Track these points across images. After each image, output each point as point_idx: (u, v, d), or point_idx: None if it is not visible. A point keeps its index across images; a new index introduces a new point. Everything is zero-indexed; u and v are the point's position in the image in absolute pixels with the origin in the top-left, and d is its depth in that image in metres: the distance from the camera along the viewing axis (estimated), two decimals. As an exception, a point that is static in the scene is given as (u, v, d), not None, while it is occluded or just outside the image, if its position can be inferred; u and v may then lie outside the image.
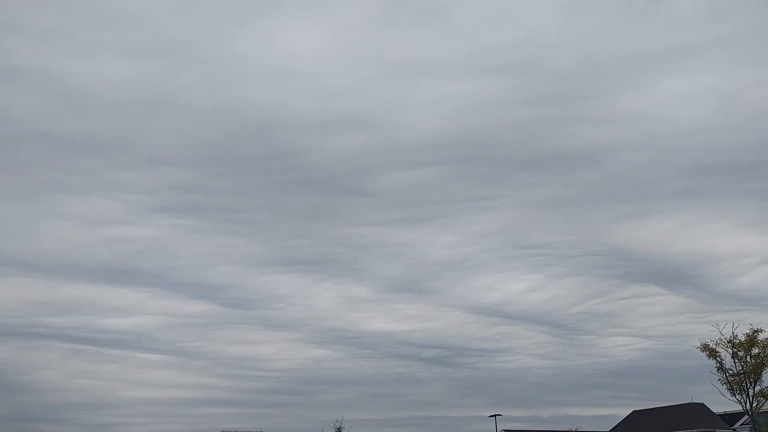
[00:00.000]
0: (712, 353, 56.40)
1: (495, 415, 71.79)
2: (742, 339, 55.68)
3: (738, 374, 55.75)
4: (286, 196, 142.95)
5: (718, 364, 56.34)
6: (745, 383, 55.61)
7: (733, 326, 56.30)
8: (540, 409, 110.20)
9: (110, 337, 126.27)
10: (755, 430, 60.20)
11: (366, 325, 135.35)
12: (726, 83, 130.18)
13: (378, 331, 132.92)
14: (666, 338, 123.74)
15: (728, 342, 55.94)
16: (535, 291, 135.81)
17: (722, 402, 60.39)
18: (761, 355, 55.07)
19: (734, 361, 55.96)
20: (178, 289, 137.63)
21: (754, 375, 55.41)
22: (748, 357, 55.65)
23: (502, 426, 76.21)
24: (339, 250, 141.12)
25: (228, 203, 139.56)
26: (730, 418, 73.77)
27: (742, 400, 55.53)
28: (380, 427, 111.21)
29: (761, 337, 55.29)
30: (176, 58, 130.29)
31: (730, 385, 56.03)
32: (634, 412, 79.67)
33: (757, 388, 55.37)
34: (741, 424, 71.77)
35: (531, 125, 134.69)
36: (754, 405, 55.25)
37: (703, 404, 73.85)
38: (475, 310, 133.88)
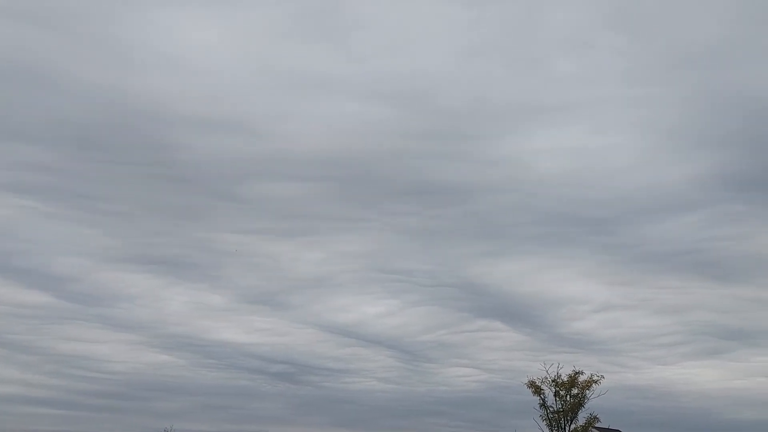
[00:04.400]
0: (537, 390, 60.52)
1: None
2: (565, 379, 60.23)
3: (557, 412, 60.13)
4: (151, 191, 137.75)
5: (541, 401, 60.59)
6: (563, 421, 60.04)
7: (558, 366, 60.89)
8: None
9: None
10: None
11: (215, 334, 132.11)
12: (588, 143, 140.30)
13: (226, 341, 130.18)
14: (502, 372, 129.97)
15: (552, 381, 60.34)
16: (389, 316, 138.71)
17: (542, 437, 64.61)
18: (579, 395, 59.71)
19: (555, 399, 60.41)
20: (14, 276, 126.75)
21: (572, 413, 59.94)
22: (569, 396, 60.19)
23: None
24: (199, 254, 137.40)
25: (86, 190, 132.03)
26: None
27: (559, 436, 59.96)
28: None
29: (581, 378, 60.02)
30: (60, 30, 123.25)
31: (550, 422, 60.28)
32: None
33: (573, 426, 59.90)
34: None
35: (410, 156, 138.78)
36: (568, 441, 59.77)
37: (525, 438, 78.52)
38: (328, 329, 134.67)
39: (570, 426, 59.79)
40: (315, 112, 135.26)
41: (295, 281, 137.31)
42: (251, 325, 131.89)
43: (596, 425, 61.16)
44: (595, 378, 59.87)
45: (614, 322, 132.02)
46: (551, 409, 60.26)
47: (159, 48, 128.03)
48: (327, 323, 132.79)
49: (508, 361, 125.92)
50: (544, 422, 60.38)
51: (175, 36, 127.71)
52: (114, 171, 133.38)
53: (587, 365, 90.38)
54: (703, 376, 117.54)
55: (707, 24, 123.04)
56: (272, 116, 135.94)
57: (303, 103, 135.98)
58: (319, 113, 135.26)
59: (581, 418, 59.98)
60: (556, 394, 60.08)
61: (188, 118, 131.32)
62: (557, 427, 60.16)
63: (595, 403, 59.85)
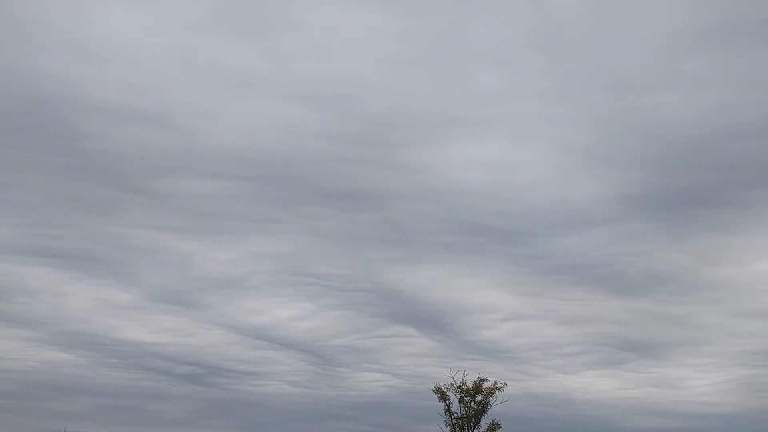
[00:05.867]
0: (442, 396, 61.82)
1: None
2: (470, 386, 61.73)
3: (461, 418, 61.56)
4: (57, 181, 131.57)
5: (446, 407, 61.89)
6: (466, 426, 61.52)
7: (464, 373, 62.32)
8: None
9: None
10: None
11: (120, 333, 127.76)
12: (504, 157, 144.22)
13: (132, 340, 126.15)
14: (412, 378, 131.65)
15: (458, 387, 61.74)
16: (302, 319, 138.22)
17: (445, 442, 65.85)
18: (483, 401, 61.37)
19: (460, 405, 61.86)
20: None
21: (475, 419, 61.52)
22: (473, 403, 61.76)
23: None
24: (107, 249, 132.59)
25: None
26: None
27: (462, 442, 61.36)
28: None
29: (486, 385, 61.65)
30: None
31: (454, 427, 61.67)
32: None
33: (475, 432, 61.56)
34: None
35: (330, 159, 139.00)
36: (471, 447, 61.28)
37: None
38: (239, 331, 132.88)
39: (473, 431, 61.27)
40: (236, 109, 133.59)
41: (206, 281, 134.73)
42: (159, 324, 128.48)
43: (498, 431, 62.97)
44: (498, 385, 61.69)
45: (521, 331, 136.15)
46: (455, 414, 61.60)
47: (76, 33, 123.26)
48: (238, 325, 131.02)
49: (418, 367, 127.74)
50: (449, 428, 61.70)
51: (95, 21, 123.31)
52: (17, 157, 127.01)
53: (495, 373, 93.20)
54: (600, 385, 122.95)
55: (622, 52, 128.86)
56: (192, 111, 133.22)
57: (225, 100, 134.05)
58: (241, 111, 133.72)
59: (484, 424, 61.65)
60: (460, 400, 61.53)
61: (102, 108, 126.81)
62: (461, 432, 61.55)
63: (498, 409, 61.66)
